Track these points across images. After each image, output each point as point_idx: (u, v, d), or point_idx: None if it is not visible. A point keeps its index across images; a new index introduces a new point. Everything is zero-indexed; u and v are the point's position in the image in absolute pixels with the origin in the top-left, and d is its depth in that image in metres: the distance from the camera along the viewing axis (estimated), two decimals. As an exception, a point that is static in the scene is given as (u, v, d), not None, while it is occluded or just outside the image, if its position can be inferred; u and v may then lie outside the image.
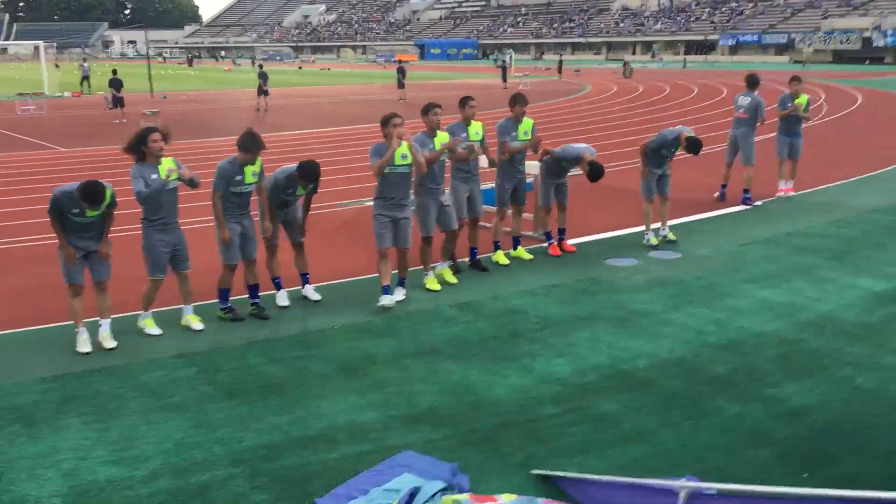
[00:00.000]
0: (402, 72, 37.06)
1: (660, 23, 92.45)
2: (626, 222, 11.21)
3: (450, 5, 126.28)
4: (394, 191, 7.85)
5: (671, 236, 10.18)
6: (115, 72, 29.71)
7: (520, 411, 5.55)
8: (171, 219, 7.14)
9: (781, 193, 13.21)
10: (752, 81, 12.69)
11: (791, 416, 5.41)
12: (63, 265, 6.74)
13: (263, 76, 32.29)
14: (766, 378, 6.05)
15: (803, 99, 12.82)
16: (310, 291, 8.18)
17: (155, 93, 40.18)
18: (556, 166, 9.61)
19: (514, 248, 9.61)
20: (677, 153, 10.05)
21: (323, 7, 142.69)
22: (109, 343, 6.82)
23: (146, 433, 5.25)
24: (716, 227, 11.14)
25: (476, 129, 8.71)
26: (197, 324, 7.31)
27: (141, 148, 7.00)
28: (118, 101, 28.39)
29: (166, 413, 5.55)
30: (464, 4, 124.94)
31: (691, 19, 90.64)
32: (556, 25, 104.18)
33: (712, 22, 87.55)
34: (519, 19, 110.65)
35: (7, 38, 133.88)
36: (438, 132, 8.32)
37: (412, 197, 8.30)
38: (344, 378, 6.15)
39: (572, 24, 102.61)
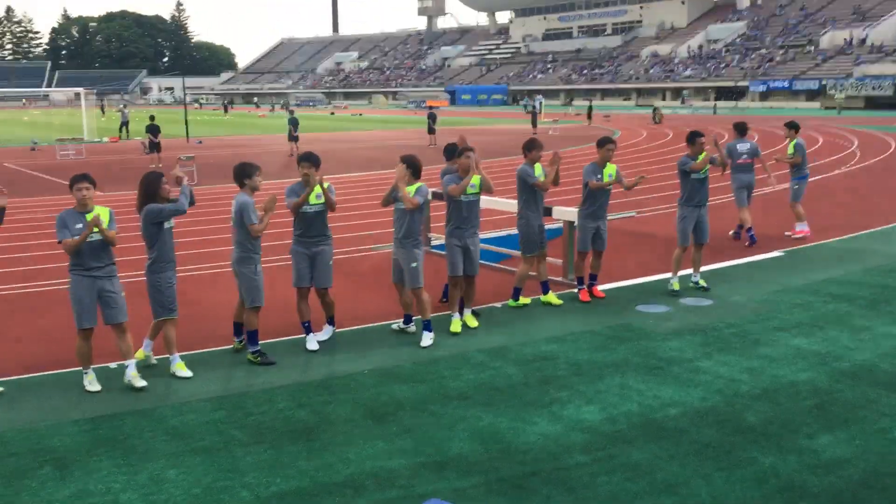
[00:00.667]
0: (432, 117, 37.46)
1: (689, 69, 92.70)
2: (657, 268, 11.14)
3: (480, 52, 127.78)
4: (395, 226, 8.18)
5: (702, 283, 10.08)
6: (152, 118, 30.37)
7: (549, 459, 5.49)
8: (174, 261, 7.37)
9: (788, 233, 13.59)
10: (743, 129, 13.44)
11: (827, 469, 5.30)
12: (75, 306, 6.83)
13: (294, 122, 32.83)
14: (800, 429, 5.94)
15: (791, 145, 13.36)
16: (326, 332, 8.26)
17: (191, 138, 40.95)
18: (592, 199, 9.58)
19: (545, 294, 9.58)
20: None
21: (356, 55, 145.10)
22: (139, 382, 6.87)
23: (175, 477, 5.26)
24: (748, 273, 11.03)
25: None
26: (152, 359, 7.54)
27: (155, 196, 7.23)
28: (155, 147, 28.96)
29: (195, 456, 5.56)
30: (494, 51, 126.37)
31: (721, 66, 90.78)
32: (585, 72, 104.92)
33: (742, 68, 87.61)
34: (548, 66, 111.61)
35: (49, 85, 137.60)
36: (474, 175, 8.39)
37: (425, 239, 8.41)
38: (372, 423, 6.14)
39: (602, 71, 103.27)
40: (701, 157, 9.84)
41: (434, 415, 6.28)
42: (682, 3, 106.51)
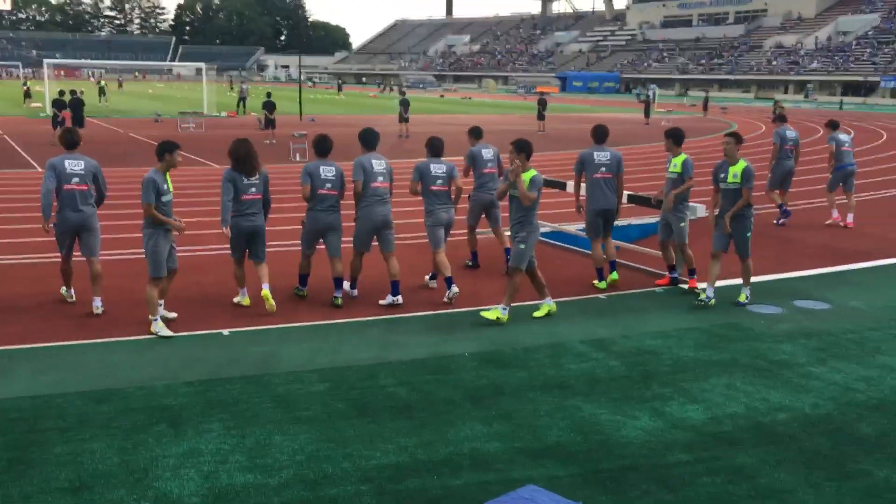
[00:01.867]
0: (542, 103, 37.16)
1: (816, 62, 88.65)
2: (772, 268, 10.75)
3: (594, 38, 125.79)
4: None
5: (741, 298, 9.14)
6: (269, 94, 31.27)
7: (649, 455, 5.40)
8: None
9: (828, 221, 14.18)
10: (783, 117, 14.93)
11: (948, 488, 5.01)
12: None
13: (405, 103, 33.15)
14: (920, 444, 5.63)
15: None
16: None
17: (304, 116, 41.92)
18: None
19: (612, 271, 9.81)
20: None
21: (468, 38, 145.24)
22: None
23: (280, 443, 5.44)
24: (869, 279, 10.52)
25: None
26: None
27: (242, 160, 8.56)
28: (270, 123, 29.80)
29: (300, 425, 5.73)
30: (608, 38, 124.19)
31: (850, 59, 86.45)
32: (703, 62, 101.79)
33: (873, 62, 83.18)
34: (664, 54, 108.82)
35: (173, 60, 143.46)
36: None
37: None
38: (471, 406, 6.18)
39: (721, 61, 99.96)
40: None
41: (533, 402, 6.27)
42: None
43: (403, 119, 32.76)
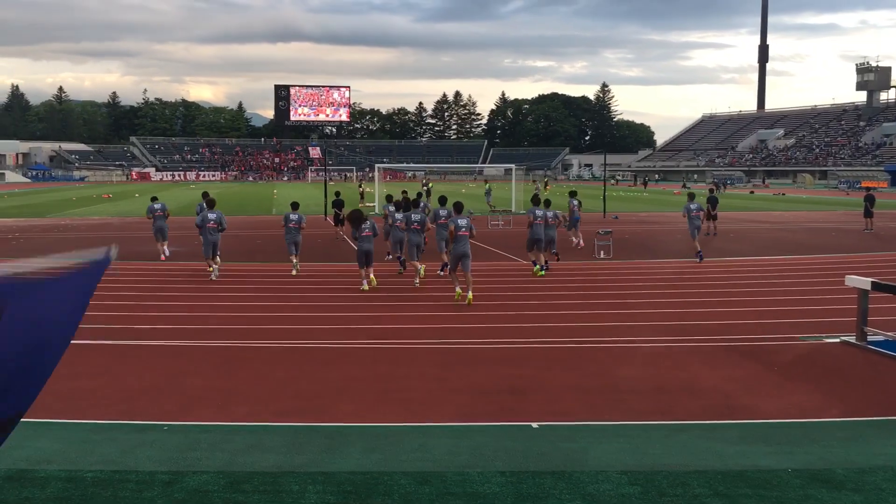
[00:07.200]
0: (870, 199, 34.08)
1: None
2: None
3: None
4: None
5: None
6: (573, 193, 32.01)
7: None
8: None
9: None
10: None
11: None
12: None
13: (713, 201, 32.14)
14: None
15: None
16: None
17: (607, 213, 42.30)
18: None
19: None
20: None
21: (781, 131, 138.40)
22: None
23: (591, 544, 5.37)
24: None
25: None
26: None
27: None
28: (573, 224, 30.37)
29: (611, 528, 5.62)
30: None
31: None
32: None
33: None
34: None
35: (484, 161, 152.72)
36: None
37: None
38: (798, 528, 5.66)
39: None
40: None
41: (872, 532, 5.60)
42: None
43: (710, 217, 31.73)
